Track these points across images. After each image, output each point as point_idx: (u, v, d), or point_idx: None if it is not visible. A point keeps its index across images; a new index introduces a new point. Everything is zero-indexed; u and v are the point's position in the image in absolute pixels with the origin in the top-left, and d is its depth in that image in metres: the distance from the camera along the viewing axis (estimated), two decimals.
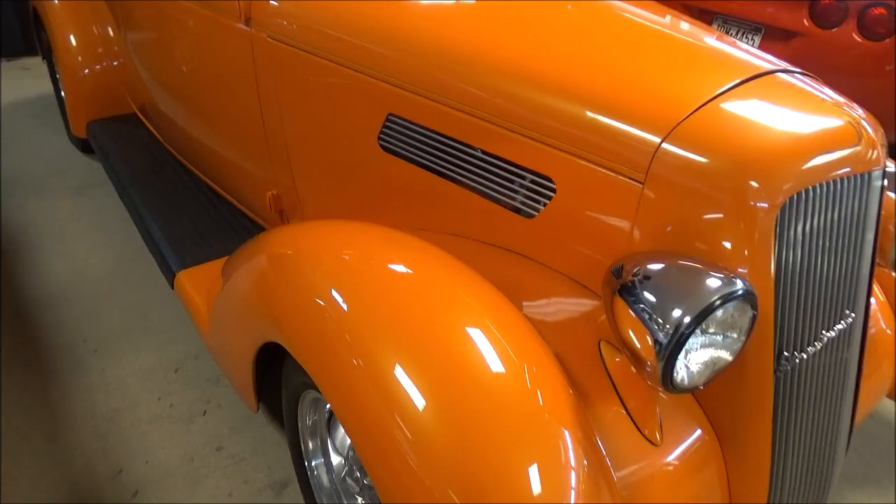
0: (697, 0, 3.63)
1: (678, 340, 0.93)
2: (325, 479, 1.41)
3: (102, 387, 1.85)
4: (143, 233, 2.16)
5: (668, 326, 0.94)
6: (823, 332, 1.15)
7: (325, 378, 1.08)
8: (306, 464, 1.42)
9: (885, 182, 1.22)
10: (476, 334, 1.04)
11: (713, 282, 0.96)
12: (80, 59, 2.70)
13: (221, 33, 1.78)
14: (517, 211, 1.31)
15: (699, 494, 1.18)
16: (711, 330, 0.99)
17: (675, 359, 0.96)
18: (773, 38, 3.33)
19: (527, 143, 1.25)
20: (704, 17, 3.60)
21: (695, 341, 0.97)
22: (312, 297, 1.16)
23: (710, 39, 1.32)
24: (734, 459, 1.19)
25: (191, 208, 2.22)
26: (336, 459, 1.44)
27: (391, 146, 1.49)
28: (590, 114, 1.17)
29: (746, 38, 3.39)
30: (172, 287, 1.91)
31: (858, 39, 3.04)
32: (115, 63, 2.70)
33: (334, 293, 1.13)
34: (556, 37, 1.33)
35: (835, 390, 1.21)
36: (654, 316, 0.97)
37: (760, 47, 3.36)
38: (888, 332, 1.57)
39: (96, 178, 2.89)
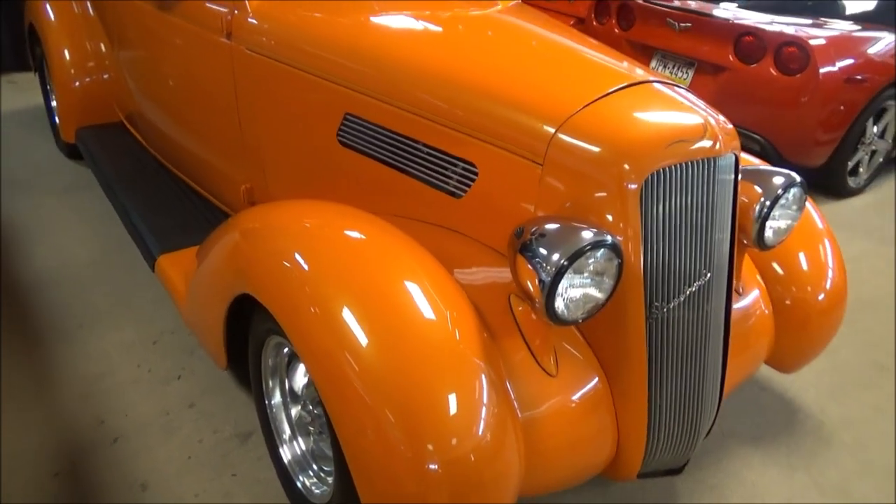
0: (639, 38, 4.02)
1: (555, 277, 1.22)
2: (282, 416, 1.65)
3: (86, 356, 2.07)
4: (127, 224, 2.40)
5: (549, 267, 1.22)
6: (686, 287, 1.43)
7: (288, 322, 1.33)
8: (266, 402, 1.66)
9: (739, 175, 1.53)
10: (411, 287, 1.32)
11: (587, 233, 1.25)
12: (72, 71, 2.95)
13: (205, 46, 2.06)
14: (451, 194, 1.59)
15: (594, 431, 1.45)
16: (585, 274, 1.27)
17: (555, 293, 1.24)
18: (704, 72, 3.71)
19: (455, 134, 1.54)
20: (646, 51, 3.98)
21: (570, 281, 1.25)
22: (279, 259, 1.42)
23: (602, 55, 1.64)
24: (620, 399, 1.46)
25: (171, 204, 2.47)
26: (294, 409, 1.68)
27: (348, 141, 1.77)
28: (502, 110, 1.46)
29: (681, 71, 3.76)
30: (153, 270, 2.14)
31: (775, 74, 3.42)
32: (105, 76, 2.96)
33: (296, 255, 1.40)
34: (477, 50, 1.65)
35: (699, 338, 1.49)
36: (542, 263, 1.25)
37: (693, 80, 3.73)
38: (766, 311, 1.86)
39: (81, 180, 3.12)
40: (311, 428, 1.59)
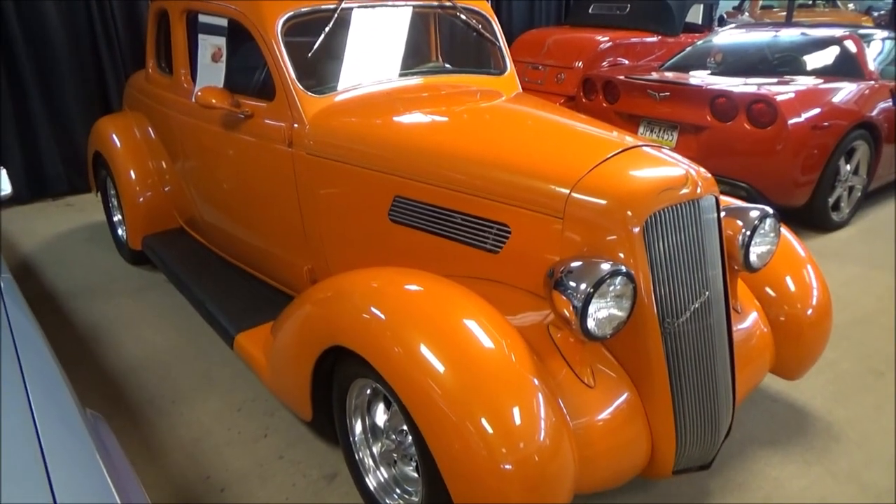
0: (626, 109, 4.50)
1: (585, 302, 1.56)
2: (365, 449, 1.96)
3: (183, 425, 2.38)
4: (202, 311, 2.75)
5: (579, 295, 1.57)
6: (690, 304, 1.77)
7: (378, 362, 1.66)
8: (351, 439, 1.96)
9: (723, 213, 1.90)
10: (470, 324, 1.66)
11: (605, 265, 1.61)
12: (137, 188, 3.40)
13: (268, 155, 2.48)
14: (489, 251, 1.95)
15: (632, 436, 1.75)
16: (608, 298, 1.62)
17: (586, 315, 1.58)
18: (686, 132, 4.15)
19: (489, 203, 1.92)
20: (633, 120, 4.45)
21: (597, 304, 1.60)
22: (359, 314, 1.77)
23: (597, 128, 2.05)
24: (649, 406, 1.76)
25: (238, 290, 2.84)
26: (376, 445, 1.98)
27: (398, 219, 2.15)
28: (526, 180, 1.85)
29: (667, 133, 4.20)
30: (232, 348, 2.48)
31: (749, 128, 3.85)
32: (166, 189, 3.40)
33: (372, 308, 1.75)
34: (496, 134, 2.07)
35: (707, 347, 1.81)
36: (574, 293, 1.59)
37: (679, 140, 4.17)
38: (765, 329, 2.17)
39: (148, 283, 3.51)
40: (395, 455, 1.89)
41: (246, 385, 2.61)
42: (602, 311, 1.62)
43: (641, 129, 4.41)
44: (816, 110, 3.93)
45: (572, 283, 1.61)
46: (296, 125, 2.37)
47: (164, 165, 3.39)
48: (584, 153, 1.87)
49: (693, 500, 2.03)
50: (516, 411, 1.53)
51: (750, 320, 2.15)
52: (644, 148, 1.88)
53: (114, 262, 3.78)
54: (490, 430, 1.49)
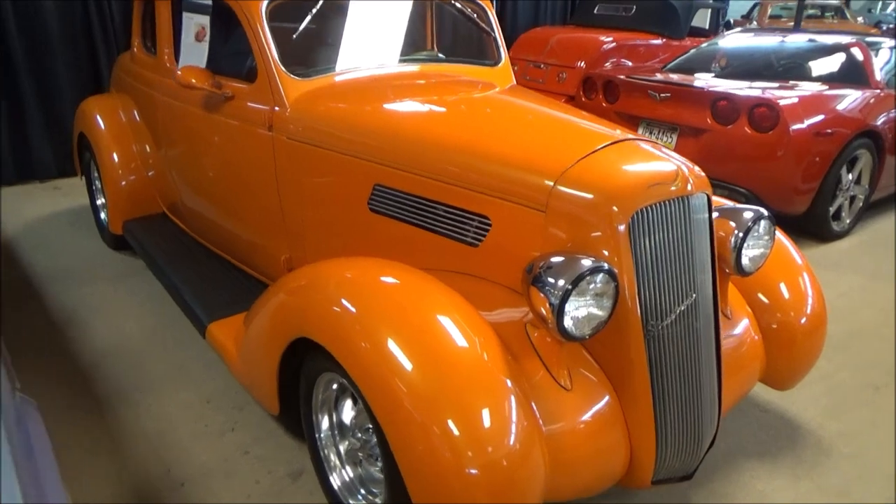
0: (625, 109, 4.41)
1: (562, 299, 1.47)
2: (331, 446, 1.87)
3: (149, 416, 2.30)
4: (178, 299, 2.67)
5: (557, 292, 1.48)
6: (676, 307, 1.68)
7: (344, 356, 1.57)
8: (317, 435, 1.87)
9: (715, 214, 1.81)
10: (443, 320, 1.57)
11: (586, 262, 1.52)
12: (120, 171, 3.31)
13: (249, 138, 2.40)
14: (468, 244, 1.86)
15: (610, 443, 1.66)
16: (587, 297, 1.53)
17: (563, 313, 1.49)
18: (686, 135, 4.06)
19: (470, 194, 1.83)
20: (632, 121, 4.35)
21: (575, 302, 1.51)
22: (329, 305, 1.68)
23: (588, 122, 1.96)
24: (629, 412, 1.67)
25: (215, 278, 2.75)
26: (343, 444, 1.89)
27: (377, 208, 2.07)
28: (509, 170, 1.76)
29: (666, 135, 4.11)
30: (204, 337, 2.39)
31: (750, 132, 3.76)
32: (150, 173, 3.32)
33: (343, 301, 1.66)
34: (483, 124, 1.98)
35: (692, 352, 1.72)
36: (551, 290, 1.50)
37: (678, 143, 4.08)
38: (756, 337, 2.08)
39: (128, 269, 3.43)
40: (360, 454, 1.80)
41: (218, 377, 2.52)
42: (581, 310, 1.53)
43: (641, 130, 4.32)
44: (820, 117, 3.83)
45: (550, 280, 1.52)
46: (277, 108, 2.28)
47: (148, 149, 3.31)
48: (572, 144, 1.78)
49: None
50: (486, 413, 1.44)
51: (740, 327, 2.06)
52: (635, 141, 1.79)
53: (96, 247, 3.70)
54: (456, 433, 1.40)
